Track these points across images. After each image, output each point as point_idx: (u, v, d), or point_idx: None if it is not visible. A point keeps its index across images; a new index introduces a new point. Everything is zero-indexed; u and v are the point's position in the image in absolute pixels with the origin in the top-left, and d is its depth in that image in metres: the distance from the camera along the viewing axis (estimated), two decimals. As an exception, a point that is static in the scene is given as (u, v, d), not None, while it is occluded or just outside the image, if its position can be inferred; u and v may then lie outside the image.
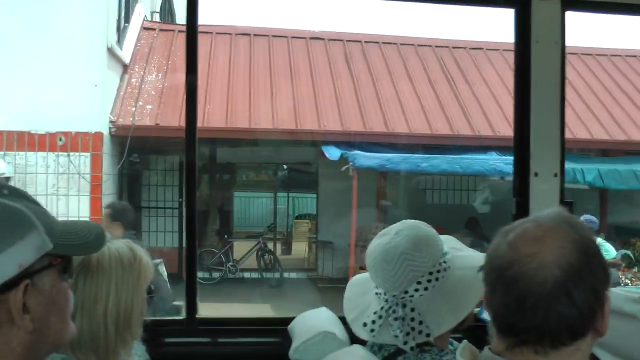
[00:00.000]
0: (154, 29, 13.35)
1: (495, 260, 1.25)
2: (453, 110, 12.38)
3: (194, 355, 2.46)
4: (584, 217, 8.26)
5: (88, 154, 10.03)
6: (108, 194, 10.36)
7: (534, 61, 2.47)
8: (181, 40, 9.39)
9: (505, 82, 12.64)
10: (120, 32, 11.69)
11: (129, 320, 1.81)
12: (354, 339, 1.91)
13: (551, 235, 1.21)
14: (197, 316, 2.47)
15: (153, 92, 11.66)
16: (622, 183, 10.99)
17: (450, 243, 1.95)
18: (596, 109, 12.98)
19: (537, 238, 1.22)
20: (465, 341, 1.38)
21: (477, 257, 1.88)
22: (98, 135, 10.18)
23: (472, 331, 1.98)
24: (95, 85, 10.04)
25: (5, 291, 1.09)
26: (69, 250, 1.23)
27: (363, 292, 1.97)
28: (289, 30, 14.14)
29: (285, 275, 13.39)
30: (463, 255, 1.92)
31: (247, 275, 13.37)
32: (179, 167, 12.33)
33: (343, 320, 2.01)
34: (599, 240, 6.75)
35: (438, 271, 1.81)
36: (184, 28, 2.52)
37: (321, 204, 13.74)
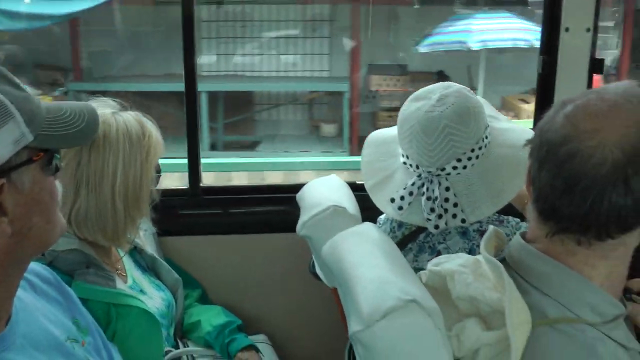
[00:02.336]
0: None
1: (547, 133, 1.10)
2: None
3: (199, 225, 2.39)
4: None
5: None
6: None
7: None
8: None
9: None
10: None
11: (137, 199, 1.72)
12: (365, 208, 1.80)
13: (616, 111, 1.06)
14: (200, 185, 2.38)
15: None
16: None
17: (486, 109, 1.72)
18: None
19: (600, 113, 1.07)
20: (491, 227, 1.27)
21: (518, 131, 1.70)
22: None
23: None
24: None
25: None
26: (54, 143, 1.06)
27: (384, 156, 1.79)
28: None
29: None
30: (503, 129, 1.72)
31: None
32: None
33: (353, 187, 1.89)
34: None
35: (480, 148, 1.62)
36: None
37: None
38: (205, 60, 9.37)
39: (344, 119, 8.97)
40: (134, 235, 1.83)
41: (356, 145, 8.51)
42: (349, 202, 1.77)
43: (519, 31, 8.06)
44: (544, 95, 2.36)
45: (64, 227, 1.15)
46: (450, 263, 1.25)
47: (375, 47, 9.42)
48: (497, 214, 1.72)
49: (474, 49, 8.14)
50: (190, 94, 2.33)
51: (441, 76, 8.57)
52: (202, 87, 6.60)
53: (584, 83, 2.29)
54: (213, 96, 8.76)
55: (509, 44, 8.12)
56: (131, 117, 1.73)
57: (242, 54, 9.67)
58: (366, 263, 1.29)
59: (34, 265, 1.34)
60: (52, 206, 1.09)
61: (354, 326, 1.13)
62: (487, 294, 1.15)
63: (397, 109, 1.87)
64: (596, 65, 2.30)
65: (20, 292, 1.18)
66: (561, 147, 1.07)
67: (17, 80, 1.04)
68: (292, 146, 9.31)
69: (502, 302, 1.11)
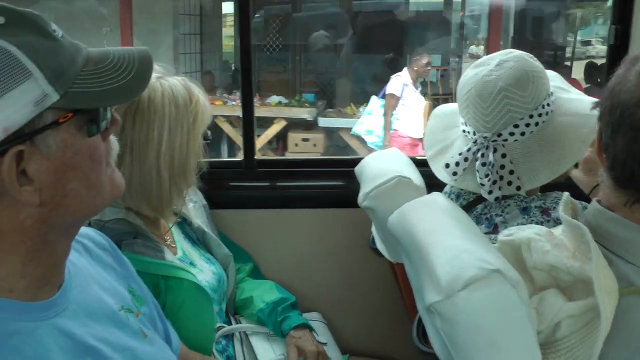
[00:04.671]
0: None
1: (620, 94, 1.02)
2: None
3: (252, 198, 2.33)
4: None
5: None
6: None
7: None
8: None
9: None
10: None
11: (184, 167, 1.64)
12: (428, 185, 1.72)
13: None
14: (255, 158, 2.32)
15: None
16: None
17: (554, 81, 1.67)
18: None
19: None
20: (566, 194, 1.18)
21: (586, 101, 1.62)
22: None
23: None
24: None
25: None
26: (87, 101, 0.92)
27: (447, 126, 1.76)
28: None
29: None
30: (569, 99, 1.64)
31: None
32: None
33: (416, 163, 1.82)
34: None
35: (540, 115, 1.56)
36: None
37: None
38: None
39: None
40: (181, 206, 1.77)
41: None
42: (413, 173, 1.70)
43: None
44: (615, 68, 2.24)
45: (118, 190, 1.04)
46: (524, 232, 1.17)
47: None
48: (560, 194, 1.64)
49: None
50: (245, 70, 2.27)
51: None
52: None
53: (660, 55, 2.16)
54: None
55: None
56: (177, 82, 1.66)
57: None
58: (440, 231, 1.20)
59: (88, 230, 1.28)
60: (93, 170, 0.97)
61: (431, 296, 1.05)
62: (568, 262, 1.06)
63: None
64: (674, 36, 2.17)
65: (74, 257, 1.13)
66: (637, 109, 0.98)
67: (50, 28, 0.92)
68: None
69: (585, 270, 1.03)
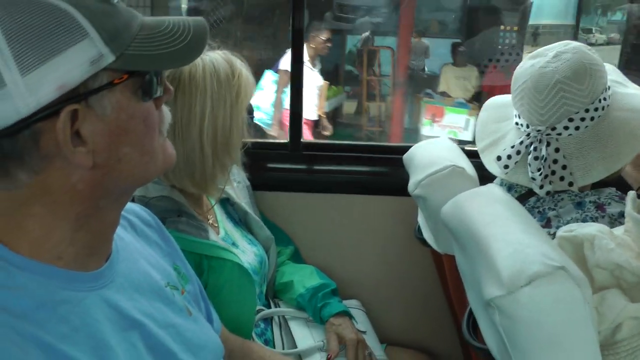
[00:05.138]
0: None
1: None
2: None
3: (296, 181, 2.29)
4: None
5: None
6: None
7: None
8: None
9: None
10: None
11: (227, 143, 1.61)
12: (479, 175, 1.68)
13: None
14: (301, 140, 2.28)
15: None
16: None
17: (612, 75, 1.62)
18: None
19: None
20: (632, 191, 1.13)
21: None
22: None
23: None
24: None
25: (45, 119, 0.84)
26: (143, 64, 0.91)
27: (499, 118, 1.71)
28: None
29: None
30: (626, 93, 1.59)
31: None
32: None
33: (468, 154, 1.78)
34: None
35: (596, 109, 1.51)
36: None
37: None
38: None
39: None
40: (225, 183, 1.73)
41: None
42: (465, 163, 1.66)
43: None
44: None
45: (170, 159, 1.03)
46: (586, 229, 1.12)
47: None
48: (617, 191, 1.59)
49: None
50: (296, 50, 2.24)
51: None
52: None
53: None
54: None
55: None
56: (219, 56, 1.62)
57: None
58: (499, 223, 1.16)
59: (134, 207, 1.27)
60: (147, 136, 0.96)
61: (491, 291, 1.01)
62: (633, 262, 1.02)
63: None
64: None
65: (120, 231, 1.11)
66: None
67: None
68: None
69: None
